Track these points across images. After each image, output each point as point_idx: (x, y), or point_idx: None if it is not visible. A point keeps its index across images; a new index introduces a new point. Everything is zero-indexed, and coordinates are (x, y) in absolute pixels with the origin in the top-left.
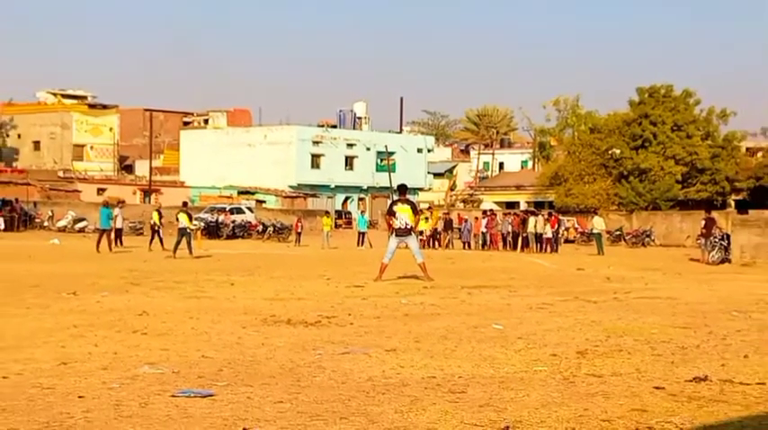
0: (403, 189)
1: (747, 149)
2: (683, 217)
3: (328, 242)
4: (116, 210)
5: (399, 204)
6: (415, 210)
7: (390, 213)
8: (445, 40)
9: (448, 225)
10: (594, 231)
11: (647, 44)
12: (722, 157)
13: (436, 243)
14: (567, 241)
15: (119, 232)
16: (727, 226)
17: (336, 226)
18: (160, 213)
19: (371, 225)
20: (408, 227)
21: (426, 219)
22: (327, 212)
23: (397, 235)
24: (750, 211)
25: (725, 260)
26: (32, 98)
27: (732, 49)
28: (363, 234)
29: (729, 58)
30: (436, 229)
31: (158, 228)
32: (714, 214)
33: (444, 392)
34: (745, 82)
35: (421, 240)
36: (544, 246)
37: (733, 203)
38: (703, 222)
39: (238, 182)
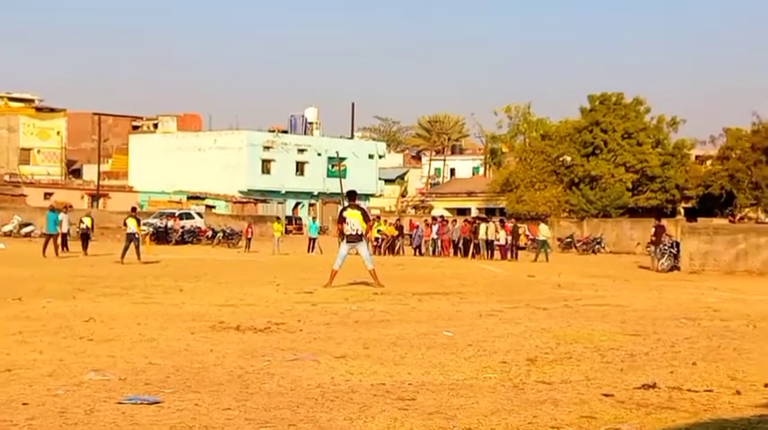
0: (352, 195)
1: (697, 157)
2: (633, 224)
3: (279, 248)
4: (62, 215)
5: (349, 210)
6: (366, 217)
7: (341, 219)
8: (397, 46)
9: (399, 231)
10: (540, 238)
11: (599, 51)
12: (672, 165)
13: (387, 251)
14: (518, 248)
15: (65, 237)
16: (676, 233)
17: (287, 232)
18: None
19: (322, 231)
20: (359, 233)
21: (385, 221)
22: (278, 218)
23: (348, 241)
24: (699, 219)
25: (674, 267)
26: None
27: (682, 56)
28: (314, 240)
29: (680, 66)
30: (395, 236)
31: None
32: (664, 222)
33: (394, 399)
34: (694, 89)
35: (374, 246)
36: (495, 253)
37: (682, 211)
38: (653, 230)
39: (188, 187)
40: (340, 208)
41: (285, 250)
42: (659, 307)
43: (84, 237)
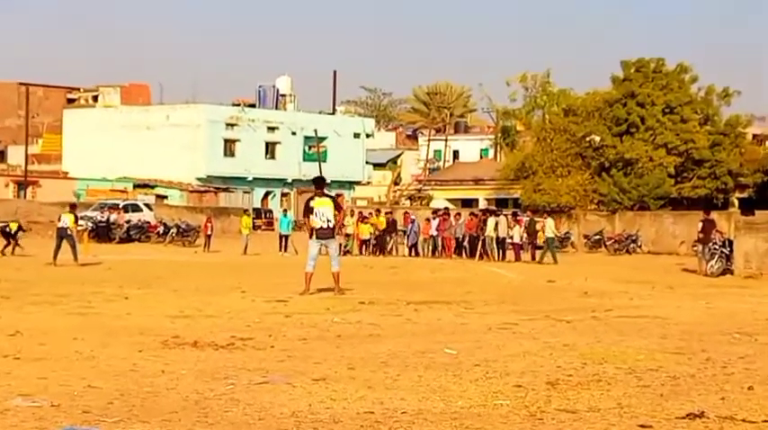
0: (320, 182)
1: (754, 137)
2: (675, 218)
3: (247, 246)
4: None
5: (317, 199)
6: (338, 205)
7: (308, 211)
8: (388, 2)
9: (392, 226)
10: (547, 235)
11: (634, 9)
12: (724, 146)
13: (374, 250)
14: (535, 247)
15: None
16: (729, 230)
17: (254, 227)
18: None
19: (297, 226)
20: (330, 226)
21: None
22: (246, 210)
23: (318, 237)
24: (757, 212)
25: (726, 271)
26: None
27: (735, 17)
28: (286, 237)
29: (732, 28)
30: (384, 231)
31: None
32: (714, 215)
33: None
34: (751, 56)
35: (362, 242)
36: (507, 253)
37: (736, 202)
38: (701, 225)
39: (134, 173)
40: (306, 198)
41: (255, 250)
42: (708, 319)
43: (5, 235)
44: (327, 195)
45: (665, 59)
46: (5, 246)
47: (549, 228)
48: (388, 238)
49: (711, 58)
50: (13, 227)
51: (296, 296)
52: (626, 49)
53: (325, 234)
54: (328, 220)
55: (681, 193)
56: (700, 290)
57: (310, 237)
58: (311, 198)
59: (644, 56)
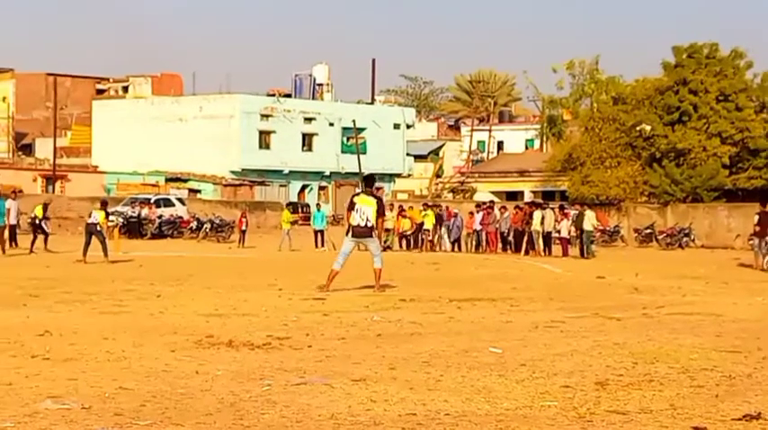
0: (370, 180)
1: None
2: (730, 211)
3: (289, 243)
4: (9, 202)
5: (363, 196)
6: (381, 210)
7: (350, 206)
8: None
9: (437, 220)
10: (586, 229)
11: None
12: None
13: (421, 243)
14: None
15: (13, 229)
16: None
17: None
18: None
19: (335, 221)
20: (369, 225)
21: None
22: (288, 205)
23: (353, 235)
24: None
25: None
26: None
27: None
28: (321, 232)
29: None
30: (421, 225)
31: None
32: None
33: None
34: None
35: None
36: (550, 247)
37: None
38: (757, 218)
39: (166, 166)
40: (354, 192)
41: (295, 246)
42: (765, 316)
43: (36, 229)
44: (374, 196)
45: (719, 44)
46: (33, 241)
47: (587, 220)
48: (428, 234)
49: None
50: (39, 212)
51: (333, 294)
52: (678, 34)
53: (361, 232)
54: (368, 219)
55: (736, 185)
56: (756, 285)
57: (347, 233)
58: (357, 194)
59: (697, 41)
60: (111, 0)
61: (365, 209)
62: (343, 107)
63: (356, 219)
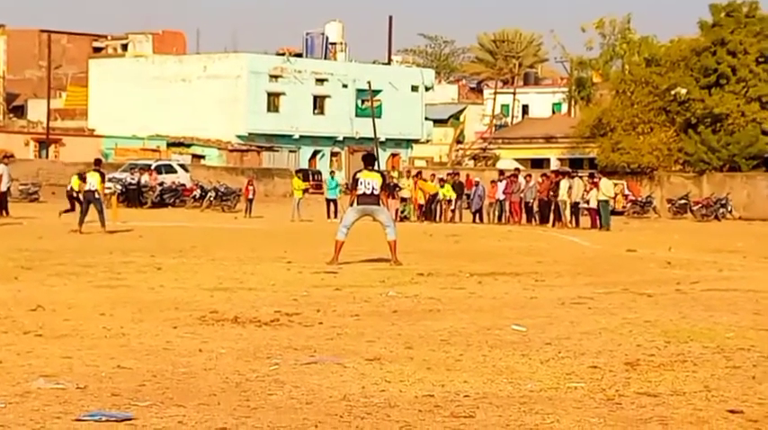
0: (370, 159)
1: None
2: None
3: (299, 213)
4: (1, 168)
5: (365, 172)
6: (384, 184)
7: (354, 184)
8: None
9: (457, 189)
10: (601, 199)
11: None
12: None
13: (423, 217)
14: (612, 213)
15: (3, 197)
16: None
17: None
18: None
19: (349, 190)
20: (376, 193)
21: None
22: (298, 172)
23: (359, 202)
24: None
25: None
26: None
27: None
28: (334, 202)
29: None
30: (434, 196)
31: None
32: None
33: (445, 417)
34: None
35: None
36: (578, 219)
37: None
38: None
39: (168, 130)
40: (354, 170)
41: (307, 216)
42: None
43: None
44: (378, 171)
45: (759, 2)
46: (82, 216)
47: (603, 189)
48: (449, 205)
49: None
50: (75, 184)
51: (345, 267)
52: None
53: (368, 200)
54: (373, 188)
55: None
56: None
57: (350, 204)
58: (359, 171)
59: None
60: None
61: (370, 181)
62: (358, 68)
63: (362, 189)
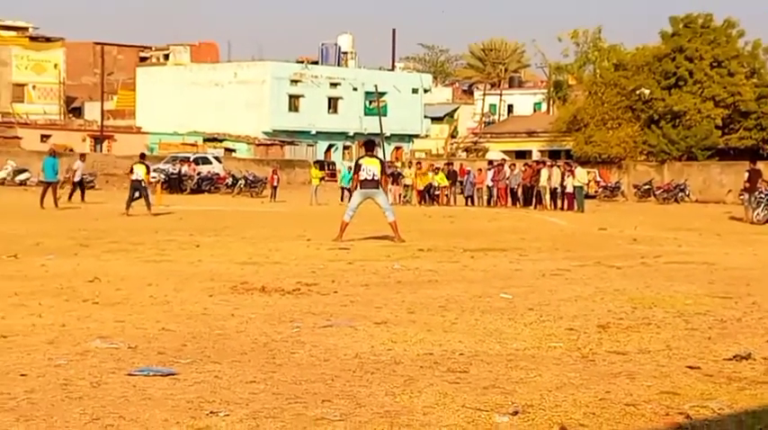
0: (370, 145)
1: None
2: (723, 168)
3: (317, 198)
4: (77, 163)
5: (366, 158)
6: (384, 169)
7: (356, 168)
8: None
9: (451, 177)
10: (576, 185)
11: None
12: None
13: (430, 198)
14: (586, 197)
15: (80, 186)
16: None
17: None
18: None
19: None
20: (376, 179)
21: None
22: (316, 162)
23: (362, 187)
24: None
25: None
26: None
27: None
28: (348, 190)
29: None
30: (431, 184)
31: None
32: (760, 165)
33: (443, 372)
34: None
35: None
36: (563, 202)
37: None
38: (747, 175)
39: (204, 127)
40: (356, 157)
41: (321, 200)
42: (755, 265)
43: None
44: (377, 157)
45: (713, 15)
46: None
47: (578, 176)
48: (444, 190)
49: (758, 14)
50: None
51: (357, 244)
52: (675, 5)
53: (369, 185)
54: (374, 174)
55: (728, 144)
56: (746, 237)
57: (355, 188)
58: (361, 157)
59: (692, 12)
60: None
61: (370, 167)
62: (366, 73)
63: (363, 175)
